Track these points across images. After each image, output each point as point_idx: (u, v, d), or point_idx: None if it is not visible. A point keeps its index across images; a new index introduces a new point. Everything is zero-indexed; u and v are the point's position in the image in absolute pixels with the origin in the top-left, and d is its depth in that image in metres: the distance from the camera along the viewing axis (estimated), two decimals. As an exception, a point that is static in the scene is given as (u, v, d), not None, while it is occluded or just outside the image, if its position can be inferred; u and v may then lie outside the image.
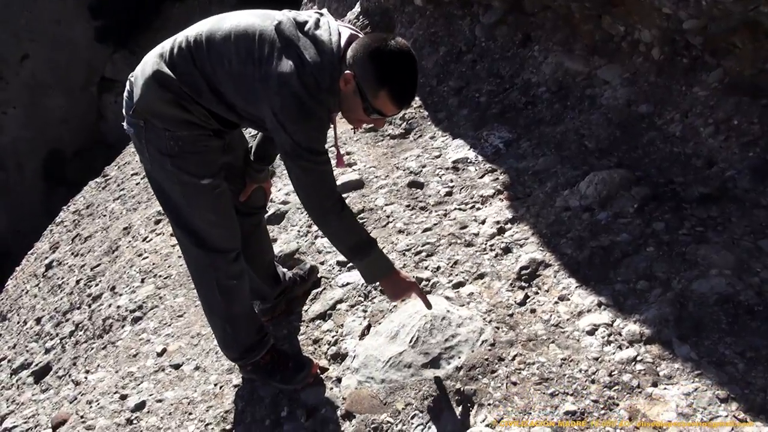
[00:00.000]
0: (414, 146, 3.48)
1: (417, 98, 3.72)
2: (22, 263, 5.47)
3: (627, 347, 1.84)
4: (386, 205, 2.95)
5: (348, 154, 3.54)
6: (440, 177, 3.05)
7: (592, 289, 2.08)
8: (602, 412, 1.68)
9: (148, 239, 3.82)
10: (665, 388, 1.69)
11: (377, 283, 2.07)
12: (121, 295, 3.32)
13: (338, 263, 2.65)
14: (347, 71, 1.67)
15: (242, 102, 1.79)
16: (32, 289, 4.61)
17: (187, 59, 1.75)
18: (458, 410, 1.82)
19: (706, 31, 2.52)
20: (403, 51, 1.65)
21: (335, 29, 1.72)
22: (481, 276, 2.31)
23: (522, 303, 2.14)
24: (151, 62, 1.78)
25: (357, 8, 4.85)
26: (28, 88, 15.70)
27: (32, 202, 15.01)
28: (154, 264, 3.45)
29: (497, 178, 2.88)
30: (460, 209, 2.75)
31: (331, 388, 2.08)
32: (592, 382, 1.77)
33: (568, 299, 2.08)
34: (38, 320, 3.93)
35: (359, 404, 1.96)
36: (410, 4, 4.31)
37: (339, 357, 2.19)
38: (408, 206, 2.89)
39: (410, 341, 2.03)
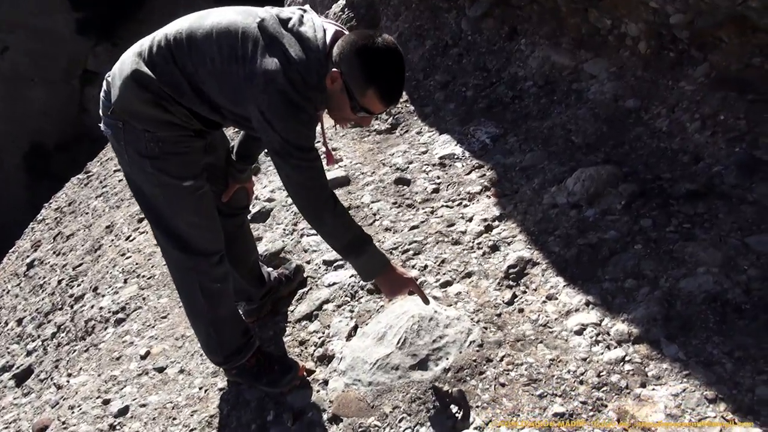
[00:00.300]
0: (400, 141, 3.44)
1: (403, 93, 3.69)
2: (4, 261, 5.37)
3: (615, 347, 1.82)
4: (373, 202, 2.92)
5: (334, 150, 3.49)
6: (427, 173, 3.02)
7: (580, 288, 2.07)
8: (591, 413, 1.67)
9: (131, 238, 3.76)
10: (654, 389, 1.68)
11: (373, 280, 1.97)
12: (103, 295, 3.26)
13: (324, 262, 2.61)
14: (334, 69, 1.63)
15: (227, 101, 1.74)
16: (13, 288, 4.52)
17: (167, 58, 1.70)
18: (446, 413, 1.80)
19: (693, 26, 2.51)
20: (391, 48, 1.62)
21: (320, 26, 1.68)
22: (469, 275, 2.29)
23: (510, 302, 2.12)
24: (129, 61, 1.72)
25: (342, 0, 4.78)
26: (7, 81, 15.42)
27: (14, 196, 14.81)
28: (137, 264, 3.39)
29: (484, 174, 2.85)
30: (447, 206, 2.73)
31: (318, 391, 2.05)
32: (581, 383, 1.75)
33: (556, 298, 2.07)
34: (19, 321, 3.85)
35: (346, 407, 1.94)
36: (396, -3, 4.27)
37: (326, 359, 2.16)
38: (395, 203, 2.86)
39: (397, 342, 2.01)
